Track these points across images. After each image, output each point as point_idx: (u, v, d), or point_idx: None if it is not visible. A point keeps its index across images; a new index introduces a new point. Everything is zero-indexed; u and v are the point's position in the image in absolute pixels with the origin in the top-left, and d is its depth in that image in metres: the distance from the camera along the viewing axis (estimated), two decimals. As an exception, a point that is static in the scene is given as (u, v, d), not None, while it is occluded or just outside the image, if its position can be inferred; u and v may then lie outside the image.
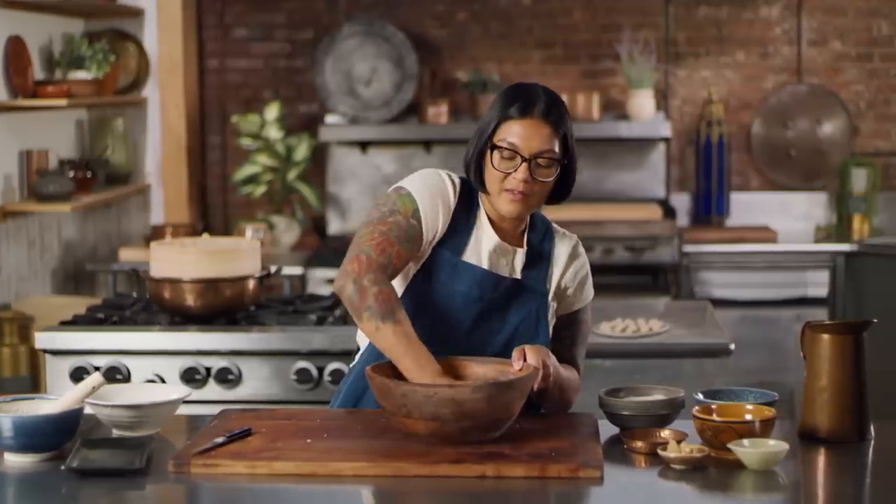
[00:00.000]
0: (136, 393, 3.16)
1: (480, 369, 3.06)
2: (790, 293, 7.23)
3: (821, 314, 6.98)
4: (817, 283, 7.20)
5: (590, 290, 3.31)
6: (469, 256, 3.15)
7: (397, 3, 7.71)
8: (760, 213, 7.62)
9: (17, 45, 5.84)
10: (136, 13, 7.04)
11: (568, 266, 3.24)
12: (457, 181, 3.19)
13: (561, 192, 3.20)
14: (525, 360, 3.00)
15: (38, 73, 6.12)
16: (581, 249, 3.29)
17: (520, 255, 3.19)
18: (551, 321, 3.22)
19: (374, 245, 3.06)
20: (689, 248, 7.08)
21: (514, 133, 3.07)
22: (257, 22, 7.81)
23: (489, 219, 3.18)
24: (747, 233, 7.31)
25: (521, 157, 3.06)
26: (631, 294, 6.89)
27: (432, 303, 3.13)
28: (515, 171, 3.07)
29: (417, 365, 2.96)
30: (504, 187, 3.09)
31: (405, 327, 2.99)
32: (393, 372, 2.98)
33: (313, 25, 7.79)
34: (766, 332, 6.98)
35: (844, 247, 7.03)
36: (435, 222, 3.13)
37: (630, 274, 7.28)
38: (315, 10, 7.78)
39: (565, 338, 3.28)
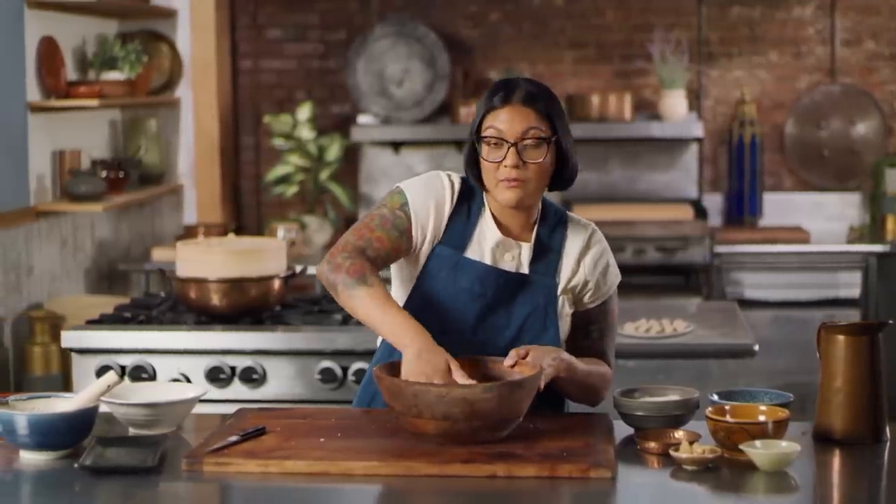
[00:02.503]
0: (152, 391, 3.18)
1: (486, 368, 3.06)
2: (822, 294, 7.20)
3: (853, 315, 6.95)
4: (850, 284, 7.17)
5: (613, 279, 3.27)
6: (471, 253, 3.16)
7: (430, 3, 7.73)
8: (793, 214, 7.58)
9: (50, 46, 5.89)
10: (170, 14, 7.08)
11: (582, 258, 3.21)
12: (456, 181, 3.21)
13: (560, 177, 3.18)
14: (523, 359, 3.00)
15: (71, 73, 6.17)
16: (598, 238, 3.25)
17: (526, 250, 3.18)
18: (564, 315, 3.20)
19: (353, 233, 3.14)
20: (721, 249, 7.05)
21: (498, 121, 3.09)
22: (290, 23, 7.84)
23: (493, 214, 3.18)
24: (780, 233, 7.28)
25: (507, 142, 3.07)
26: (662, 295, 6.87)
27: (437, 301, 3.14)
28: (504, 158, 3.08)
29: (400, 326, 2.98)
30: (498, 178, 3.10)
31: (380, 291, 3.02)
32: (399, 372, 2.98)
33: (346, 26, 7.81)
34: (797, 333, 6.94)
35: (877, 247, 6.99)
36: (425, 219, 3.15)
37: (662, 274, 7.27)
38: (348, 10, 7.81)
39: (593, 331, 3.26)
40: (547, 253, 3.20)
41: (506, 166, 3.07)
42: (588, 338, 3.26)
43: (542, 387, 2.97)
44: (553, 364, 3.02)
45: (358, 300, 3.03)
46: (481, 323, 3.15)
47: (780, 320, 7.11)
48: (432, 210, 3.16)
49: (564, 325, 3.21)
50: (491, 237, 3.17)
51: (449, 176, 3.22)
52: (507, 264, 3.17)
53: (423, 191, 3.18)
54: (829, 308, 7.09)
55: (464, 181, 3.22)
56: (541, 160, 3.09)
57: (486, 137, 3.10)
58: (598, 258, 3.23)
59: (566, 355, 3.08)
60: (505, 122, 3.08)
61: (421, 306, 3.12)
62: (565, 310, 3.21)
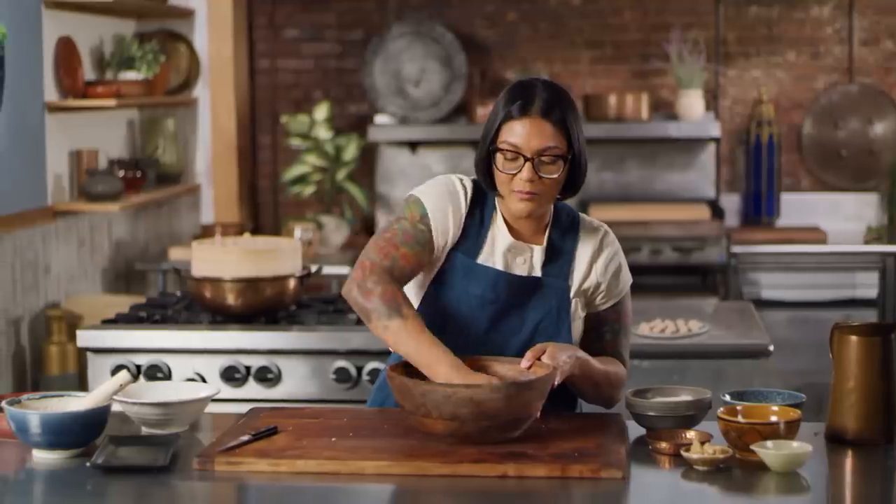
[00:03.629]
0: (165, 391, 3.19)
1: (501, 369, 3.06)
2: (839, 294, 7.19)
3: (870, 315, 6.93)
4: (867, 285, 7.16)
5: (626, 280, 3.25)
6: (484, 258, 3.15)
7: (446, 3, 7.73)
8: (811, 214, 7.56)
9: (67, 46, 5.91)
10: (187, 14, 7.10)
11: (594, 260, 3.20)
12: (468, 184, 3.19)
13: (572, 185, 3.17)
14: (539, 359, 2.99)
15: (88, 73, 6.18)
16: (610, 240, 3.23)
17: (538, 253, 3.17)
18: (577, 317, 3.20)
19: (377, 250, 3.10)
20: (737, 249, 7.03)
21: (515, 133, 3.05)
22: (307, 22, 7.85)
23: (504, 218, 3.17)
24: (797, 233, 7.26)
25: (524, 156, 3.04)
26: (678, 295, 6.85)
27: (449, 307, 3.14)
28: (520, 171, 3.06)
29: (433, 358, 2.96)
30: (512, 188, 3.08)
31: (414, 322, 3.00)
32: (412, 371, 2.99)
33: (363, 26, 7.82)
34: (814, 334, 6.87)
35: (894, 248, 6.96)
36: (445, 225, 3.14)
37: (678, 275, 7.26)
38: (365, 10, 7.82)
39: (606, 333, 3.25)
40: (559, 256, 3.19)
41: (521, 179, 3.06)
42: (601, 339, 3.25)
43: (555, 384, 2.97)
44: (569, 361, 3.02)
45: (392, 331, 3.01)
46: (494, 327, 3.15)
47: (797, 321, 7.09)
48: (451, 217, 3.15)
49: (577, 328, 3.21)
50: (503, 241, 3.16)
51: (461, 180, 3.20)
52: (520, 268, 3.16)
53: (440, 198, 3.16)
54: (846, 309, 7.08)
55: (475, 184, 3.20)
56: (556, 175, 3.08)
57: (502, 149, 3.08)
58: (609, 260, 3.22)
59: (582, 353, 3.08)
60: (522, 136, 3.05)
61: (433, 312, 3.12)
62: (578, 312, 3.20)
